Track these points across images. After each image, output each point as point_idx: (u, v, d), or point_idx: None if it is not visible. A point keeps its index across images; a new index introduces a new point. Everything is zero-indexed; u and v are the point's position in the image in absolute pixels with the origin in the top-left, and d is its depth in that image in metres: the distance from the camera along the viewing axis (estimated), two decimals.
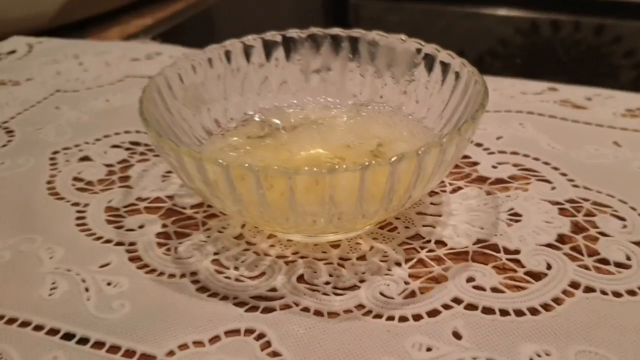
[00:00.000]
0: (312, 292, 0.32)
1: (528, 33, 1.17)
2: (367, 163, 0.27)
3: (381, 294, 0.31)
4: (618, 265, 0.32)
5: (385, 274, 0.33)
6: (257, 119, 0.42)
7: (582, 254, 0.33)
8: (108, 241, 0.36)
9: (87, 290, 0.32)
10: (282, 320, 0.30)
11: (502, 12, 1.16)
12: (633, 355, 0.27)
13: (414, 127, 0.40)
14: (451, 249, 0.34)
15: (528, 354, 0.27)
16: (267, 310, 0.31)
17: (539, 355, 0.27)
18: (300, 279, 0.33)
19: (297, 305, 0.31)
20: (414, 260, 0.33)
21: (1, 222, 0.38)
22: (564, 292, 0.31)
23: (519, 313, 0.30)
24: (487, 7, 1.16)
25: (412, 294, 0.31)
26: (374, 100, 0.43)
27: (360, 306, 0.31)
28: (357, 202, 0.29)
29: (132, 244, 0.36)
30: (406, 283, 0.32)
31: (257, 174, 0.28)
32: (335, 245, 0.35)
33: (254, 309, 0.31)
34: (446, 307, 0.30)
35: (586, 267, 0.32)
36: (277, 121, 0.42)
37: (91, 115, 0.51)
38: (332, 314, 0.30)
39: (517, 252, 0.33)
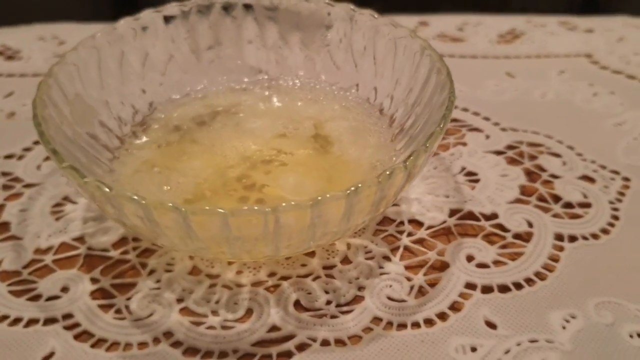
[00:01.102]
0: (319, 319, 0.28)
1: None
2: (318, 198, 0.23)
3: (389, 298, 0.29)
4: (581, 206, 0.33)
5: (381, 274, 0.30)
6: (156, 120, 0.35)
7: (549, 202, 0.34)
8: (32, 322, 0.28)
9: None
10: None
11: None
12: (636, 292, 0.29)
13: (343, 99, 0.36)
14: (430, 227, 0.32)
15: (558, 323, 0.27)
16: (283, 355, 0.26)
17: (567, 321, 0.27)
18: (297, 305, 0.28)
19: (314, 340, 0.27)
20: (401, 250, 0.31)
21: None
22: (555, 247, 0.31)
23: (530, 282, 0.29)
24: None
25: (422, 291, 0.29)
26: (285, 74, 0.38)
27: (377, 319, 0.28)
28: (308, 232, 0.25)
29: (67, 316, 0.28)
30: (408, 279, 0.29)
31: (184, 215, 0.23)
32: (310, 253, 0.31)
33: (266, 358, 0.26)
34: (465, 296, 0.29)
35: (559, 216, 0.33)
36: (176, 123, 0.35)
37: None
38: (354, 338, 0.27)
39: (495, 216, 0.33)
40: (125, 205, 0.23)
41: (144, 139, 0.34)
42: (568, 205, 0.34)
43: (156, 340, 0.27)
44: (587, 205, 0.34)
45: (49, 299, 0.29)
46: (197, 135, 0.34)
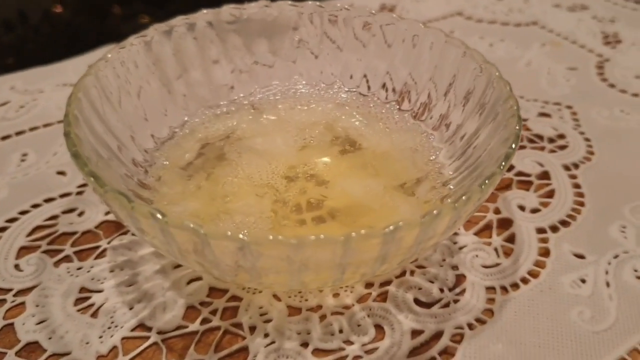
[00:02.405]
0: (447, 308, 0.28)
1: None
2: (354, 233, 0.20)
3: (484, 266, 0.30)
4: (558, 137, 0.38)
5: (460, 248, 0.31)
6: (162, 168, 0.31)
7: (537, 142, 0.38)
8: None
9: None
10: (474, 350, 0.26)
11: None
12: None
13: (331, 97, 0.36)
14: None
15: (618, 234, 0.31)
16: (445, 352, 0.26)
17: (623, 231, 0.32)
18: (418, 303, 0.28)
19: (461, 328, 0.27)
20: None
21: None
22: (570, 176, 0.35)
23: (577, 211, 0.33)
24: None
25: (507, 249, 0.31)
26: (259, 86, 0.36)
27: (490, 289, 0.29)
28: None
29: None
30: (488, 244, 0.31)
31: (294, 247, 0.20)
32: None
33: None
34: (544, 240, 0.31)
35: (553, 151, 0.37)
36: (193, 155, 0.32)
37: None
38: (486, 312, 0.28)
39: (511, 167, 0.36)
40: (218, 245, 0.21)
41: (166, 189, 0.30)
42: (551, 140, 0.38)
43: None
44: (562, 136, 0.38)
45: None
46: (221, 172, 0.31)
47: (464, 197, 0.22)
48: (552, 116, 0.40)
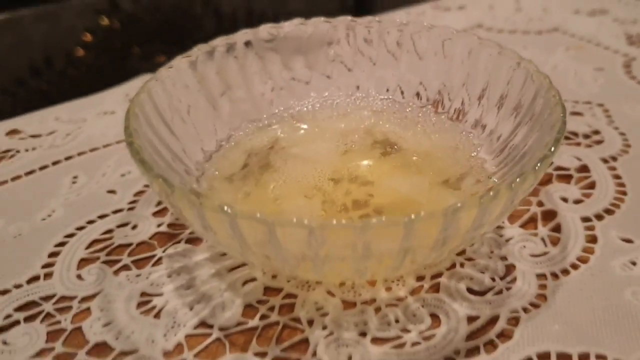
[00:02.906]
0: (500, 295, 0.28)
1: (109, 12, 1.11)
2: (414, 215, 0.21)
3: (533, 255, 0.31)
4: (594, 133, 0.39)
5: (507, 241, 0.31)
6: (211, 177, 0.32)
7: (573, 139, 0.38)
8: None
9: None
10: (532, 332, 0.27)
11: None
12: None
13: (367, 105, 0.37)
14: None
15: None
16: (503, 335, 0.27)
17: None
18: (471, 292, 0.29)
19: (516, 311, 0.27)
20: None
21: None
22: (609, 167, 0.36)
23: (620, 200, 0.33)
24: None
25: (554, 238, 0.31)
26: (297, 100, 0.38)
27: (541, 276, 0.29)
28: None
29: None
30: (534, 235, 0.32)
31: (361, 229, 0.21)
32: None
33: (490, 345, 0.26)
34: (589, 228, 0.32)
35: (590, 145, 0.38)
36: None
37: None
38: (539, 297, 0.28)
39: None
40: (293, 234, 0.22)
41: (218, 196, 0.31)
42: (586, 136, 0.39)
43: None
44: (597, 132, 0.39)
45: None
46: (269, 178, 0.32)
47: (519, 179, 0.23)
48: (584, 114, 0.41)
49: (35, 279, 0.31)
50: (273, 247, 0.23)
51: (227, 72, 0.35)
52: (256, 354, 0.26)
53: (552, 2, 0.58)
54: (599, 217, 0.32)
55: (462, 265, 0.30)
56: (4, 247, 0.33)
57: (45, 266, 0.32)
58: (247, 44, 0.35)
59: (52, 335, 0.28)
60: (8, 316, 0.29)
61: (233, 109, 0.35)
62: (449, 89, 0.35)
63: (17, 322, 0.29)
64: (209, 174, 0.32)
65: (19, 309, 0.29)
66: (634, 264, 0.29)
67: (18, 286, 0.30)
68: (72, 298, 0.30)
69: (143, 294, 0.30)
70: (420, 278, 0.29)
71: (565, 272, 0.29)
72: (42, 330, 0.28)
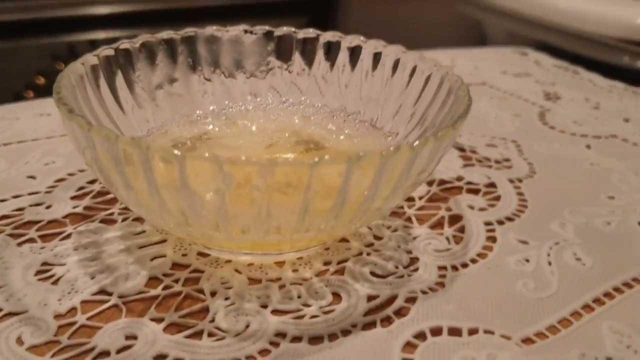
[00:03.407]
0: (402, 279, 0.29)
1: (67, 58, 1.12)
2: (357, 154, 0.23)
3: (437, 250, 0.32)
4: (504, 160, 0.41)
5: (414, 238, 0.33)
6: None
7: (483, 162, 0.41)
8: None
9: None
10: (427, 310, 0.27)
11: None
12: None
13: (296, 111, 0.39)
14: (421, 197, 0.36)
15: (559, 229, 0.34)
16: (399, 314, 0.27)
17: (563, 225, 0.34)
18: (374, 275, 0.30)
19: (415, 292, 0.28)
20: (413, 218, 0.34)
21: None
22: (515, 187, 0.38)
23: (520, 211, 0.35)
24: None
25: (457, 238, 0.33)
26: (231, 101, 0.39)
27: (442, 268, 0.30)
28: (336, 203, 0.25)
29: (159, 357, 0.24)
30: (440, 234, 0.33)
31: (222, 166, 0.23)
32: (344, 240, 0.32)
33: (386, 321, 0.27)
34: (491, 230, 0.33)
35: (498, 168, 0.40)
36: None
37: None
38: (438, 284, 0.29)
39: (461, 178, 0.38)
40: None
41: None
42: (497, 161, 0.41)
43: (275, 344, 0.25)
44: (507, 159, 0.42)
45: (120, 350, 0.25)
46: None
47: (419, 140, 0.24)
48: (499, 146, 0.43)
49: None
50: (184, 189, 0.23)
51: (167, 66, 0.36)
52: (152, 319, 0.26)
53: (483, 62, 0.63)
54: (500, 222, 0.34)
55: (368, 254, 0.31)
56: None
57: None
58: (191, 39, 0.37)
59: None
60: None
61: (169, 101, 0.36)
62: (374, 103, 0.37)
63: None
64: None
65: None
66: (527, 261, 0.31)
67: None
68: None
69: (44, 264, 0.29)
70: (327, 263, 0.30)
71: (465, 265, 0.30)
72: None
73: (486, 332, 0.26)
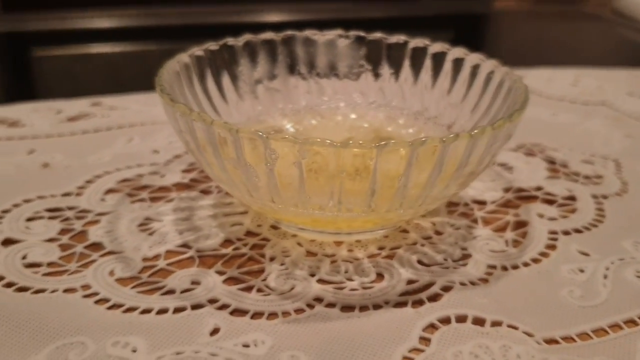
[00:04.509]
0: (447, 269, 0.31)
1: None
2: (419, 138, 0.26)
3: (492, 251, 0.33)
4: (596, 177, 0.40)
5: (474, 237, 0.34)
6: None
7: (573, 176, 0.40)
8: (180, 309, 0.28)
9: None
10: (459, 299, 0.29)
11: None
12: None
13: (386, 111, 0.41)
14: (494, 202, 0.37)
15: (632, 247, 0.33)
16: (433, 298, 0.29)
17: (637, 243, 0.33)
18: (421, 263, 0.32)
19: (453, 282, 0.30)
20: (479, 220, 0.35)
21: None
22: (596, 202, 0.37)
23: (593, 225, 0.35)
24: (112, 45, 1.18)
25: (517, 242, 0.33)
26: (326, 100, 0.43)
27: (491, 266, 0.31)
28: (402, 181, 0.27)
29: (213, 300, 0.29)
30: (500, 236, 0.34)
31: (302, 147, 0.26)
32: (403, 230, 0.34)
33: (418, 303, 0.29)
34: (553, 239, 0.33)
35: (585, 183, 0.40)
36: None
37: None
38: (481, 279, 0.30)
39: (540, 188, 0.39)
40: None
41: None
42: (587, 177, 0.40)
43: (310, 306, 0.28)
44: (600, 176, 0.41)
45: (184, 291, 0.29)
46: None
47: (477, 130, 0.26)
48: (595, 164, 0.42)
49: (68, 194, 0.37)
50: (266, 167, 0.27)
51: (268, 63, 0.41)
52: (217, 272, 0.31)
53: (609, 83, 0.60)
54: (566, 232, 0.34)
55: (422, 245, 0.33)
56: (54, 172, 0.40)
57: (80, 187, 0.38)
58: (290, 41, 0.41)
59: (63, 231, 0.34)
60: (37, 212, 0.35)
61: (267, 95, 0.41)
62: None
63: (42, 217, 0.35)
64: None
65: (48, 210, 0.35)
66: (582, 271, 0.31)
67: (54, 196, 0.37)
68: (90, 211, 0.36)
69: (147, 219, 0.35)
70: (381, 248, 0.33)
71: (515, 267, 0.31)
72: (58, 226, 0.34)
73: (510, 326, 0.27)
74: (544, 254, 0.32)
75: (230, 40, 0.39)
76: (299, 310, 0.28)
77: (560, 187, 0.39)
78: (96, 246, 0.32)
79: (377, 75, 0.42)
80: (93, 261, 0.31)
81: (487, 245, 0.33)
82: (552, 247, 0.33)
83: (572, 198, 0.38)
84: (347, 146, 0.26)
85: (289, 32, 0.42)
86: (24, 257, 0.31)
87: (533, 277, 0.30)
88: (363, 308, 0.28)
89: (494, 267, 0.31)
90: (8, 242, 0.32)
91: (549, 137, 0.46)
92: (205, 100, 0.37)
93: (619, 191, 0.39)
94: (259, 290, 0.29)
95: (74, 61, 1.13)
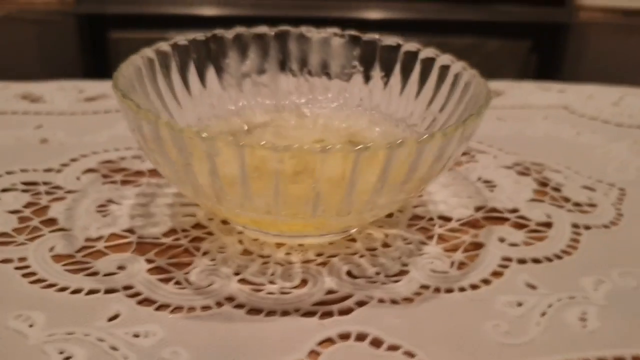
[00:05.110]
0: (373, 284, 0.30)
1: None
2: (363, 145, 0.25)
3: (433, 271, 0.31)
4: (589, 205, 0.37)
5: (421, 254, 0.32)
6: (204, 129, 0.38)
7: (560, 202, 0.37)
8: (93, 291, 0.29)
9: (114, 349, 0.25)
10: (367, 316, 0.27)
11: None
12: None
13: (371, 115, 0.40)
14: (459, 219, 0.35)
15: (590, 286, 0.30)
16: (344, 311, 0.28)
17: (597, 284, 0.30)
18: (350, 274, 0.30)
19: (371, 298, 0.28)
20: (435, 237, 0.33)
21: None
22: (573, 232, 0.34)
23: (558, 257, 0.32)
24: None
25: (462, 265, 0.31)
26: (314, 98, 0.42)
27: (424, 286, 0.30)
28: (347, 189, 0.27)
29: (127, 287, 0.29)
30: (448, 257, 0.32)
31: (241, 150, 0.25)
32: (351, 239, 0.33)
33: (327, 314, 0.28)
34: (503, 266, 0.31)
35: (572, 211, 0.36)
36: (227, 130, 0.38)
37: None
38: (406, 300, 0.29)
39: (516, 210, 0.36)
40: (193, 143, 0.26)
41: None
42: (577, 204, 0.37)
43: (219, 304, 0.28)
44: (593, 205, 0.37)
45: (107, 275, 0.30)
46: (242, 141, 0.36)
47: (398, 142, 0.25)
48: (597, 190, 0.39)
49: (50, 170, 0.39)
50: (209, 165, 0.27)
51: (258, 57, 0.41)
52: (147, 260, 0.31)
53: None
54: (522, 261, 0.31)
55: (361, 256, 0.32)
56: (48, 148, 0.42)
57: (62, 165, 0.40)
58: (282, 37, 0.41)
59: (29, 204, 0.35)
60: (14, 184, 0.37)
61: (253, 89, 0.41)
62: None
63: (16, 189, 0.37)
64: (202, 127, 0.38)
65: (25, 183, 0.37)
66: (519, 305, 0.28)
67: (36, 170, 0.39)
68: (61, 188, 0.37)
69: (108, 200, 0.36)
70: (319, 254, 0.32)
71: (450, 290, 0.29)
72: (26, 199, 0.36)
73: (406, 353, 0.25)
74: (485, 281, 0.30)
75: (219, 32, 0.39)
76: (205, 307, 0.28)
77: (540, 211, 0.36)
78: (51, 222, 0.34)
79: (368, 77, 0.41)
80: (41, 236, 0.32)
81: (430, 264, 0.31)
82: (499, 274, 0.30)
83: (548, 225, 0.35)
84: (289, 150, 0.25)
85: (283, 28, 0.41)
86: None
87: (462, 304, 0.28)
88: (270, 313, 0.28)
89: (427, 287, 0.29)
90: None
91: (557, 158, 0.43)
92: (170, 95, 0.37)
93: (608, 223, 0.35)
94: (177, 283, 0.29)
95: (148, 44, 1.19)
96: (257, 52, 0.41)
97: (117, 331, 0.26)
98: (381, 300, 0.28)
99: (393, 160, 0.26)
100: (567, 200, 0.37)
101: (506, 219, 0.35)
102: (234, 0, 1.23)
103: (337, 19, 1.14)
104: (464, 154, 0.43)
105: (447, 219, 0.35)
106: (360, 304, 0.28)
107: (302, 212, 0.29)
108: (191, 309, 0.28)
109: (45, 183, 0.37)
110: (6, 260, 0.30)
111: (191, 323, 0.27)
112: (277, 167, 0.26)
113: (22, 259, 0.31)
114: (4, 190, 0.36)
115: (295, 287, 0.29)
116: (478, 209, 0.36)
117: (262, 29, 0.41)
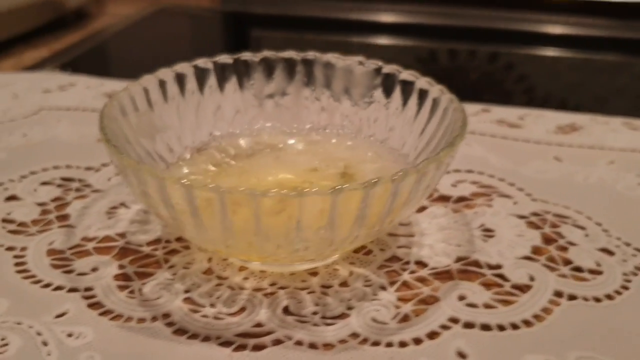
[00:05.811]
0: (301, 324, 0.30)
1: (427, 62, 1.21)
2: (338, 187, 0.26)
3: (373, 320, 0.30)
4: (591, 272, 0.33)
5: (373, 299, 0.31)
6: (213, 148, 0.40)
7: (557, 264, 0.34)
8: (59, 288, 0.32)
9: (45, 344, 0.28)
10: (276, 357, 0.28)
11: (402, 42, 1.21)
12: (625, 356, 0.28)
13: (378, 148, 0.39)
14: (433, 268, 0.33)
15: None
16: (258, 347, 0.28)
17: None
18: (286, 310, 0.31)
19: (289, 339, 0.29)
20: (399, 283, 0.32)
21: None
22: (551, 301, 0.31)
23: (514, 326, 0.29)
24: (387, 38, 1.20)
25: (406, 318, 0.30)
26: (332, 124, 0.42)
27: (355, 335, 0.29)
28: (326, 227, 0.28)
29: (88, 289, 0.32)
30: (397, 307, 0.31)
31: (222, 195, 0.26)
32: (313, 273, 0.33)
33: (241, 347, 0.28)
34: (444, 327, 0.29)
35: (564, 276, 0.33)
36: (232, 150, 0.40)
37: (9, 151, 0.46)
38: (328, 345, 0.28)
39: (499, 266, 0.33)
40: (174, 192, 0.27)
41: (196, 157, 0.38)
42: (577, 269, 0.33)
43: (154, 319, 0.30)
44: (597, 272, 0.33)
45: (79, 274, 0.33)
46: (240, 161, 0.38)
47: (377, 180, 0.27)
48: (615, 255, 0.35)
49: (90, 168, 0.44)
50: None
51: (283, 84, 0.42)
52: (119, 266, 0.34)
53: None
54: (469, 325, 0.29)
55: (310, 292, 0.32)
56: (94, 147, 0.47)
57: (102, 165, 0.44)
58: (308, 63, 0.42)
59: (57, 199, 0.40)
60: (54, 178, 0.42)
61: (277, 110, 0.42)
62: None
63: (53, 184, 0.42)
64: (214, 145, 0.40)
65: (63, 178, 0.42)
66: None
67: (78, 167, 0.44)
68: (90, 186, 0.42)
69: (121, 203, 0.40)
70: (273, 283, 0.32)
71: (376, 344, 0.29)
72: (57, 192, 0.41)
73: None
74: (417, 340, 0.29)
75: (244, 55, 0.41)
76: (141, 320, 0.30)
77: (524, 272, 0.33)
78: (64, 217, 0.38)
79: (385, 108, 0.40)
80: (49, 229, 0.37)
81: (374, 312, 0.30)
82: (435, 335, 0.29)
83: (526, 288, 0.32)
84: (266, 195, 0.26)
85: (310, 54, 0.42)
86: (8, 213, 0.38)
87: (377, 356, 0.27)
88: (193, 336, 0.29)
89: (356, 336, 0.29)
90: (12, 198, 0.40)
91: (597, 210, 0.39)
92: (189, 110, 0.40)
93: (601, 296, 0.32)
94: (131, 292, 0.32)
95: (287, 44, 1.25)
96: (282, 75, 0.42)
97: (56, 328, 0.29)
98: (299, 343, 0.28)
99: (369, 199, 0.27)
100: (566, 262, 0.34)
101: (482, 275, 0.33)
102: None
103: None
104: (482, 195, 0.40)
105: (423, 265, 0.34)
106: (276, 342, 0.28)
107: (284, 245, 0.29)
108: (129, 319, 0.30)
109: (79, 180, 0.42)
110: (10, 248, 0.35)
111: (121, 332, 0.29)
112: (251, 208, 0.27)
113: (23, 249, 0.35)
114: (43, 183, 0.42)
115: (231, 314, 0.30)
116: (459, 259, 0.34)
117: (290, 54, 0.42)
